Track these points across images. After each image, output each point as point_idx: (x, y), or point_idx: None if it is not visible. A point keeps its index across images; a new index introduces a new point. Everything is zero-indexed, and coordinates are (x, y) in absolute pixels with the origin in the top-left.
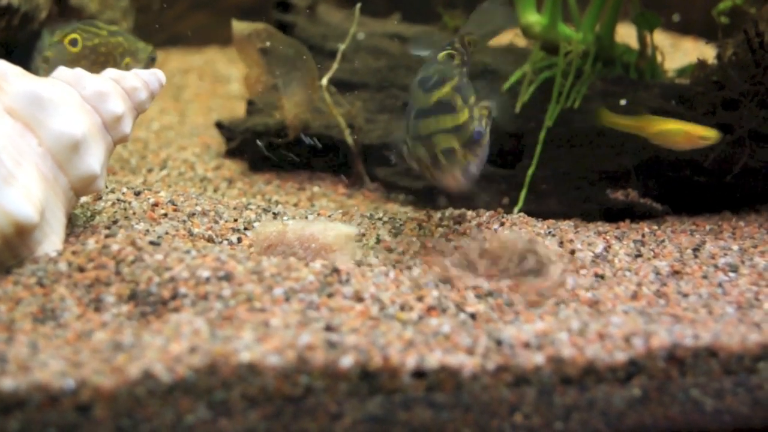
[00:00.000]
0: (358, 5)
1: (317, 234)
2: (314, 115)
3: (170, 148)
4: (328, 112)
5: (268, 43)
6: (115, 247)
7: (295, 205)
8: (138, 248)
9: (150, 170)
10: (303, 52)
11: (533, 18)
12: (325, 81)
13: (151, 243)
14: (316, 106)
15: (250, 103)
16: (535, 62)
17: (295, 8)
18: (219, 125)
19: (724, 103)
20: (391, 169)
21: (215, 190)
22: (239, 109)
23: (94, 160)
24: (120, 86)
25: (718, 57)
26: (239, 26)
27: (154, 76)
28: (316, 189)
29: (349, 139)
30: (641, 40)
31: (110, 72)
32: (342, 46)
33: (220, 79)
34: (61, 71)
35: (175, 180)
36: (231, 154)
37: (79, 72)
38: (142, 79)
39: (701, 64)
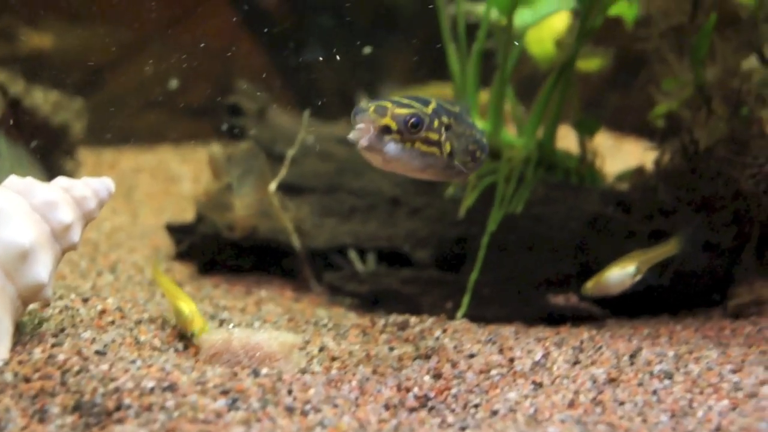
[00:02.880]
0: (307, 111)
1: (262, 343)
2: (263, 218)
3: (120, 251)
4: (276, 216)
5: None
6: (61, 357)
7: (242, 310)
8: (84, 358)
9: (99, 274)
10: (260, 157)
11: (477, 125)
12: (273, 186)
13: (97, 352)
14: (266, 210)
15: (200, 207)
16: None
17: (246, 112)
18: (169, 228)
19: (661, 209)
20: (338, 273)
21: (164, 295)
22: (191, 210)
23: (42, 269)
24: (69, 195)
25: (656, 163)
26: (216, 149)
27: (103, 184)
28: (263, 293)
29: (297, 243)
30: (582, 145)
31: (60, 181)
32: (290, 152)
33: (172, 179)
34: (12, 180)
35: (124, 284)
36: (181, 256)
37: (30, 181)
38: (91, 188)
39: (639, 169)
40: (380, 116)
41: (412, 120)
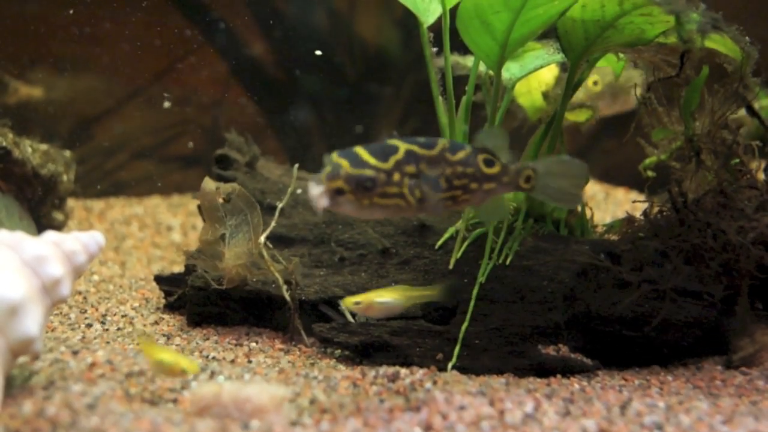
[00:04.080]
0: (296, 165)
1: (252, 396)
2: (252, 269)
3: (110, 302)
4: (266, 268)
5: (223, 198)
6: (51, 411)
7: (232, 362)
8: (74, 411)
9: (89, 325)
10: (254, 207)
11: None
12: (263, 238)
13: (88, 406)
14: (255, 261)
15: (189, 258)
16: (468, 219)
17: (235, 163)
18: (158, 279)
19: (651, 260)
20: (328, 324)
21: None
22: (181, 260)
23: (32, 322)
24: (59, 249)
25: (645, 214)
26: (209, 184)
27: (93, 239)
28: (253, 345)
29: (287, 295)
30: None
31: (50, 235)
32: (280, 204)
33: (162, 229)
34: (2, 235)
35: (113, 336)
36: (170, 308)
37: (20, 236)
38: (81, 242)
39: (629, 220)
40: (333, 179)
41: (366, 183)
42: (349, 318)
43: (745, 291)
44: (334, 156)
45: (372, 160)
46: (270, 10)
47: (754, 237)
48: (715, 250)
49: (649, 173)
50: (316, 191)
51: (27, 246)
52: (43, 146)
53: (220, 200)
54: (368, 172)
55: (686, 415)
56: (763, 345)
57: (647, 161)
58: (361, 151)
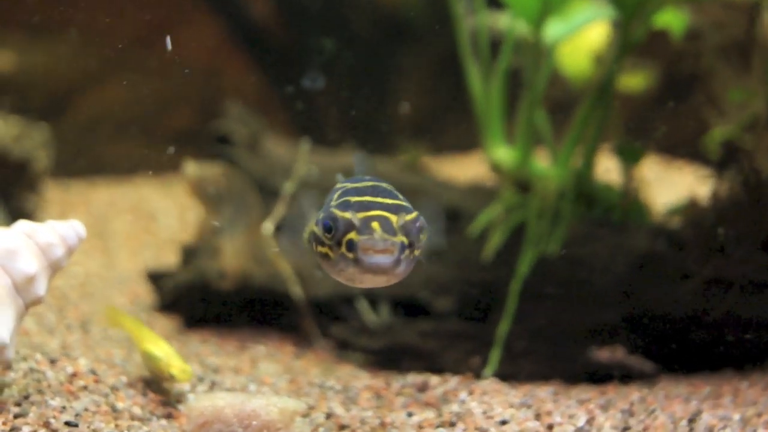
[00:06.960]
0: (305, 143)
1: (259, 410)
2: (257, 264)
3: (93, 301)
4: (272, 261)
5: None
6: (25, 430)
7: (236, 370)
8: (53, 430)
9: (69, 329)
10: (252, 192)
11: (502, 153)
12: (270, 226)
13: (67, 424)
14: (260, 253)
15: (185, 252)
16: (506, 202)
17: (235, 140)
18: (150, 276)
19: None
20: (346, 326)
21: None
22: (174, 251)
23: (2, 328)
24: (33, 242)
25: (713, 195)
26: (192, 169)
27: (73, 229)
28: (260, 349)
29: (296, 291)
30: (625, 174)
31: (22, 225)
32: (288, 186)
33: (152, 215)
34: None
35: (97, 341)
36: (164, 308)
37: None
38: (58, 234)
39: (693, 204)
40: (393, 234)
41: (419, 224)
42: (371, 318)
43: None
44: (347, 214)
45: (400, 198)
46: None
47: None
48: None
49: (715, 149)
50: (388, 260)
51: None
52: (15, 121)
53: (211, 187)
54: (415, 215)
55: (766, 429)
56: None
57: (714, 135)
58: (377, 197)
